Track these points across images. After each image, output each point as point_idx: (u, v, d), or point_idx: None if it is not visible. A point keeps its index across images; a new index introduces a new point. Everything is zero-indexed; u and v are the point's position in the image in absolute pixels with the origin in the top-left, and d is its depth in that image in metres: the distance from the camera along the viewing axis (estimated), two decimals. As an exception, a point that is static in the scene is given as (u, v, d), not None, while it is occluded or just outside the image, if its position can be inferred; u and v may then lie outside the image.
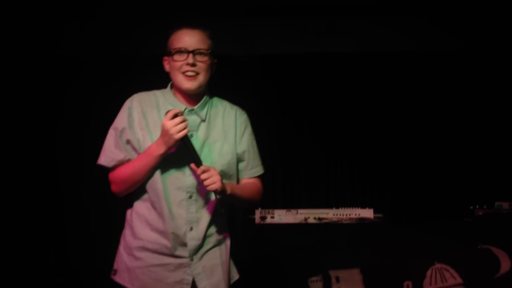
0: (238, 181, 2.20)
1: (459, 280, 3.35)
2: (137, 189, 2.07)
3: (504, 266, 3.36)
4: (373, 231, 3.56)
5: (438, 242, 3.42)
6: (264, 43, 4.69)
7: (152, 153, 2.00)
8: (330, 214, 3.62)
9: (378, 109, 4.66)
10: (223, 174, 2.07)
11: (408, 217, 4.47)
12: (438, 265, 3.35)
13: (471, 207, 3.78)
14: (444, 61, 4.65)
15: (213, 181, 1.94)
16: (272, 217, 3.58)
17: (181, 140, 1.97)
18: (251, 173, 2.23)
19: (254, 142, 2.24)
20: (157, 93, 2.16)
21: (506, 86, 4.59)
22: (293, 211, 3.60)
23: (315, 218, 3.58)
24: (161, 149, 1.98)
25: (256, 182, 2.24)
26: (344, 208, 3.68)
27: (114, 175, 2.09)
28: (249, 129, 2.22)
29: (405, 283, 3.33)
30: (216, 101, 2.21)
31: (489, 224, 3.58)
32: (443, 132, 4.61)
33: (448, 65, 4.65)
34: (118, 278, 2.07)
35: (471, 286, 3.34)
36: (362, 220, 3.63)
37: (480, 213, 3.71)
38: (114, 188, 2.11)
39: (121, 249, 2.10)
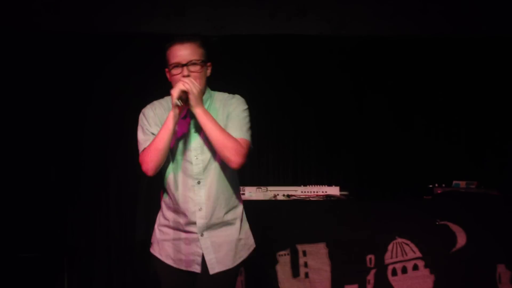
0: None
1: (418, 254, 3.47)
2: (163, 183, 2.39)
3: (460, 241, 3.49)
4: (338, 207, 3.64)
5: (399, 218, 3.54)
6: (234, 24, 4.73)
7: (169, 116, 2.28)
8: (298, 191, 3.70)
9: (344, 91, 4.78)
10: (224, 164, 2.32)
11: (372, 194, 4.63)
12: (399, 240, 3.46)
13: (431, 186, 3.94)
14: (411, 46, 4.80)
15: (185, 82, 2.23)
16: (243, 194, 3.64)
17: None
18: None
19: (241, 117, 2.36)
20: (167, 98, 2.41)
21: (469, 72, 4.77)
22: (263, 188, 3.68)
23: (284, 195, 3.65)
24: (173, 111, 2.26)
25: (239, 139, 2.32)
26: (312, 185, 3.79)
27: (143, 153, 2.34)
28: (238, 108, 2.37)
29: (368, 257, 3.44)
30: (216, 97, 2.43)
31: (446, 202, 3.71)
32: (406, 116, 4.77)
33: (412, 50, 4.80)
34: (152, 250, 2.46)
35: (429, 260, 3.46)
36: (328, 197, 3.71)
37: (439, 192, 3.85)
38: (143, 166, 2.33)
39: (156, 227, 2.47)
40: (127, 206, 4.55)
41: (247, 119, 2.39)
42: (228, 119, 2.35)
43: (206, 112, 2.28)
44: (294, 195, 3.68)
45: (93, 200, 4.53)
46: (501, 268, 3.52)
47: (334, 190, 3.74)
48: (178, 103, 2.23)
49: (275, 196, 3.67)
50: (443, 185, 3.92)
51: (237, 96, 2.44)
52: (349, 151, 4.72)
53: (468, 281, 3.47)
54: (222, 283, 2.34)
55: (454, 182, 3.95)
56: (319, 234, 3.45)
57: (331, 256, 3.43)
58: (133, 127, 4.56)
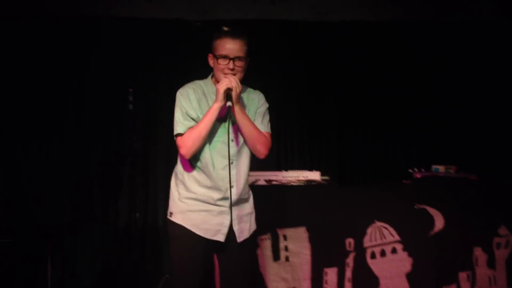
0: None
1: (396, 237, 3.51)
2: (196, 162, 2.65)
3: (438, 225, 3.54)
4: (319, 192, 3.65)
5: (379, 202, 3.57)
6: (217, 8, 4.71)
7: (212, 107, 2.57)
8: (279, 176, 3.69)
9: (326, 76, 4.80)
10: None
11: (352, 179, 4.67)
12: (378, 224, 3.51)
13: (410, 170, 3.97)
14: (391, 32, 4.82)
15: (231, 81, 2.53)
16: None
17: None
18: None
19: (266, 113, 2.77)
20: (201, 83, 2.73)
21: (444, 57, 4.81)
22: (244, 173, 3.69)
23: (265, 180, 3.64)
24: (216, 103, 2.56)
25: (265, 133, 2.71)
26: (293, 170, 3.79)
27: (184, 137, 2.61)
28: (264, 106, 2.77)
29: (347, 240, 3.48)
30: (243, 89, 2.72)
31: (425, 186, 3.75)
32: (387, 101, 4.80)
33: (397, 35, 4.83)
34: (173, 218, 2.71)
35: (408, 243, 3.51)
36: (309, 182, 3.70)
37: (418, 176, 3.88)
38: (184, 150, 2.61)
39: (175, 198, 2.72)
40: (110, 190, 4.56)
41: (269, 115, 2.77)
42: (256, 114, 2.71)
43: (242, 109, 2.62)
44: (275, 180, 3.68)
45: (76, 184, 4.53)
46: (478, 251, 3.58)
47: (315, 175, 3.74)
48: (230, 103, 2.53)
49: (256, 181, 3.67)
50: (422, 170, 3.95)
51: (260, 92, 2.80)
52: (331, 137, 4.76)
53: (445, 264, 3.53)
54: (242, 249, 2.71)
55: (434, 166, 3.98)
56: (299, 219, 3.48)
57: (311, 240, 3.46)
58: (116, 112, 4.59)
